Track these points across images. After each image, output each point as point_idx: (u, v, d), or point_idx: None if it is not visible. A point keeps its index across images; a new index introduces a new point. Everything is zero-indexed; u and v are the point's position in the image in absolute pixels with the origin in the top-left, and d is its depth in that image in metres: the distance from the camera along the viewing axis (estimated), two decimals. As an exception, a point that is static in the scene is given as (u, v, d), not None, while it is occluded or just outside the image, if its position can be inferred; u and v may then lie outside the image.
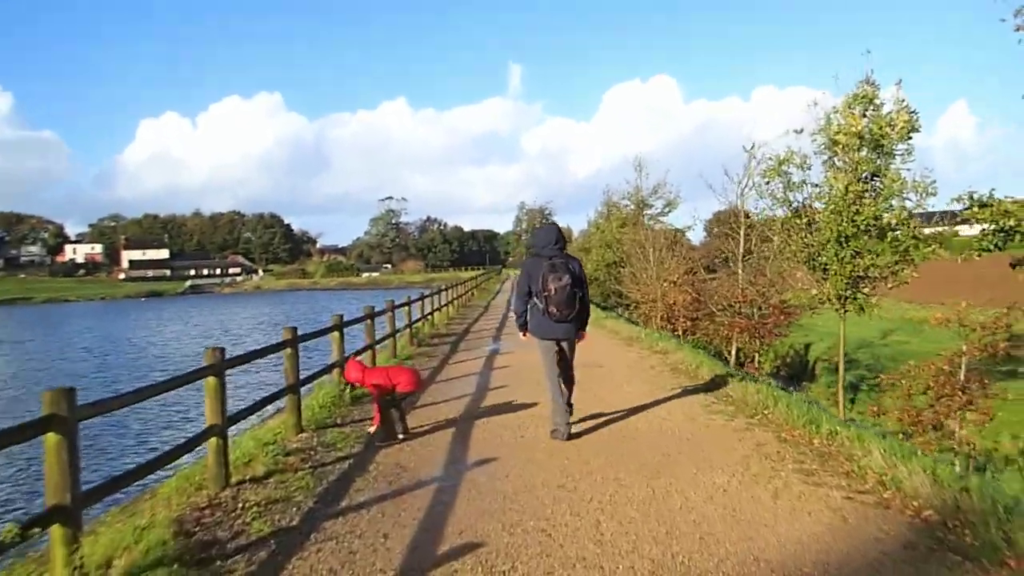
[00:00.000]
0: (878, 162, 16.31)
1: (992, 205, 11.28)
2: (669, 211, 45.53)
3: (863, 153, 16.37)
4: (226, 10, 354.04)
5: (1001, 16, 11.15)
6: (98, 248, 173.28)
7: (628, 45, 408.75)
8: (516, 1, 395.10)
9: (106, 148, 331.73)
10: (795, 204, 17.87)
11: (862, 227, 16.06)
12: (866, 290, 16.81)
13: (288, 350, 9.39)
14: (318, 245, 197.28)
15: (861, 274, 16.34)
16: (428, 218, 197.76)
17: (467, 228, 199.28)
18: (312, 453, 8.10)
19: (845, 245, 16.16)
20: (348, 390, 11.16)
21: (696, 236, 53.58)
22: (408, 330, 19.13)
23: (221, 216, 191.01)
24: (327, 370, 11.75)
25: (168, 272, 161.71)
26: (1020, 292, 18.77)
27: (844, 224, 16.01)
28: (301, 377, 9.72)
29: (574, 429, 8.37)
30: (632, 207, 46.98)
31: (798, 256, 17.66)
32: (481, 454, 7.65)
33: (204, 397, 7.04)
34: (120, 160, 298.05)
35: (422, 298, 22.90)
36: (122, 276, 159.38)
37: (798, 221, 17.59)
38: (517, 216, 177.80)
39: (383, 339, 16.01)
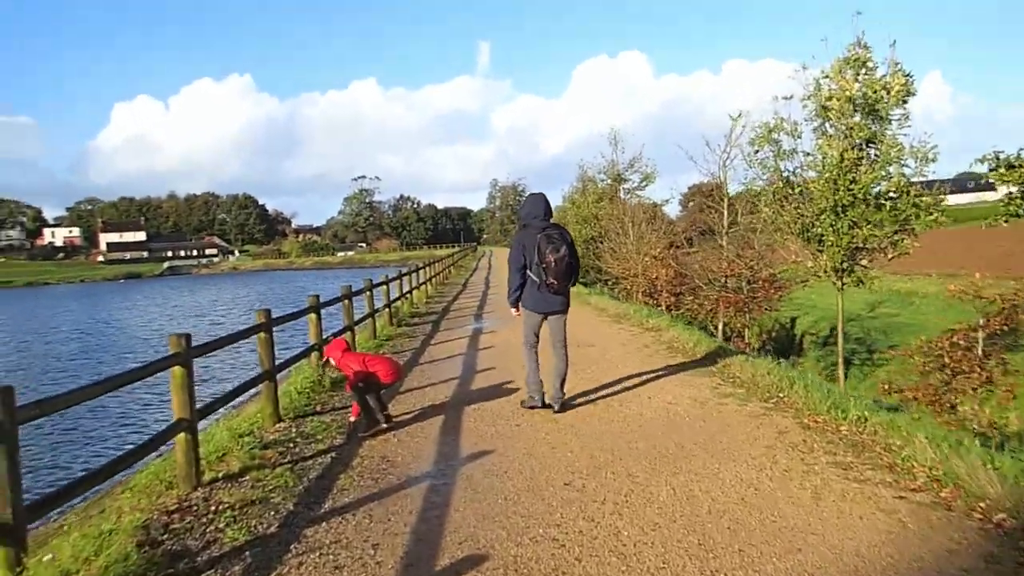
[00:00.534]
0: (873, 128, 15.61)
1: (1022, 166, 10.55)
2: (646, 185, 44.73)
3: (856, 119, 15.67)
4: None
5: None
6: (76, 231, 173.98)
7: (597, 20, 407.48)
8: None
9: (81, 132, 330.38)
10: (786, 173, 17.15)
11: (859, 196, 15.38)
12: (864, 262, 16.15)
13: (262, 334, 8.58)
14: (293, 225, 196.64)
15: (859, 245, 15.66)
16: (402, 196, 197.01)
17: (441, 206, 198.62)
18: (291, 446, 7.36)
19: (842, 215, 15.46)
20: (327, 374, 10.42)
21: (672, 210, 52.84)
22: (387, 310, 18.29)
23: (196, 198, 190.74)
24: (305, 354, 10.94)
25: (146, 254, 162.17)
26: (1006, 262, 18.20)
27: (840, 193, 15.31)
28: (277, 363, 8.91)
29: (570, 416, 7.74)
30: (608, 181, 46.20)
31: (791, 227, 16.92)
32: (475, 446, 6.91)
33: (170, 388, 6.25)
34: (94, 144, 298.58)
35: (400, 276, 22.07)
36: (100, 259, 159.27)
37: (790, 191, 16.85)
38: (490, 193, 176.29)
39: (362, 319, 15.12)
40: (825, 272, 16.43)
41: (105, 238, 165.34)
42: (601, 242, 37.36)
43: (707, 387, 8.98)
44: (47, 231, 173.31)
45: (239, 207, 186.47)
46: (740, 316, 25.96)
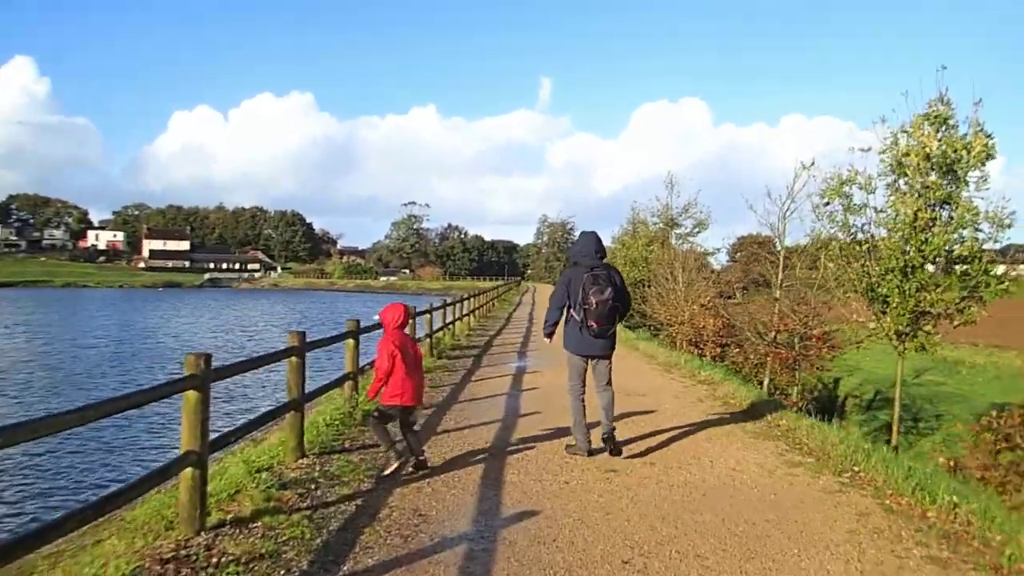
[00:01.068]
0: (949, 188, 14.89)
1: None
2: (699, 231, 44.32)
3: (933, 177, 14.96)
4: (264, 9, 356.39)
5: None
6: (120, 236, 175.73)
7: (659, 65, 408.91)
8: (550, 15, 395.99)
9: (138, 137, 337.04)
10: (854, 228, 16.42)
11: (930, 258, 14.64)
12: (927, 327, 15.34)
13: (293, 359, 7.94)
14: (338, 246, 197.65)
15: (925, 309, 14.88)
16: (449, 225, 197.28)
17: (488, 238, 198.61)
18: (313, 487, 6.73)
19: (910, 276, 14.72)
20: (359, 407, 9.86)
21: (719, 260, 51.94)
22: (428, 340, 17.77)
23: (244, 211, 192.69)
24: (339, 382, 10.39)
25: (187, 264, 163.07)
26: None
27: (911, 253, 14.59)
28: (307, 391, 8.31)
29: (626, 477, 7.12)
30: (661, 225, 45.65)
31: (856, 285, 16.16)
32: (519, 504, 6.29)
33: (181, 414, 5.54)
34: (150, 150, 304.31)
35: (444, 306, 21.55)
36: (142, 265, 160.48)
37: (858, 248, 16.11)
38: (538, 229, 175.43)
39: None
40: (887, 335, 15.66)
41: (149, 245, 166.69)
42: (648, 286, 36.72)
43: (772, 452, 8.29)
44: (91, 233, 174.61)
45: (286, 224, 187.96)
46: (787, 373, 25.14)
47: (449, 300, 23.53)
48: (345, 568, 4.91)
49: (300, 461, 7.63)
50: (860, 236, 16.18)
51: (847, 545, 5.40)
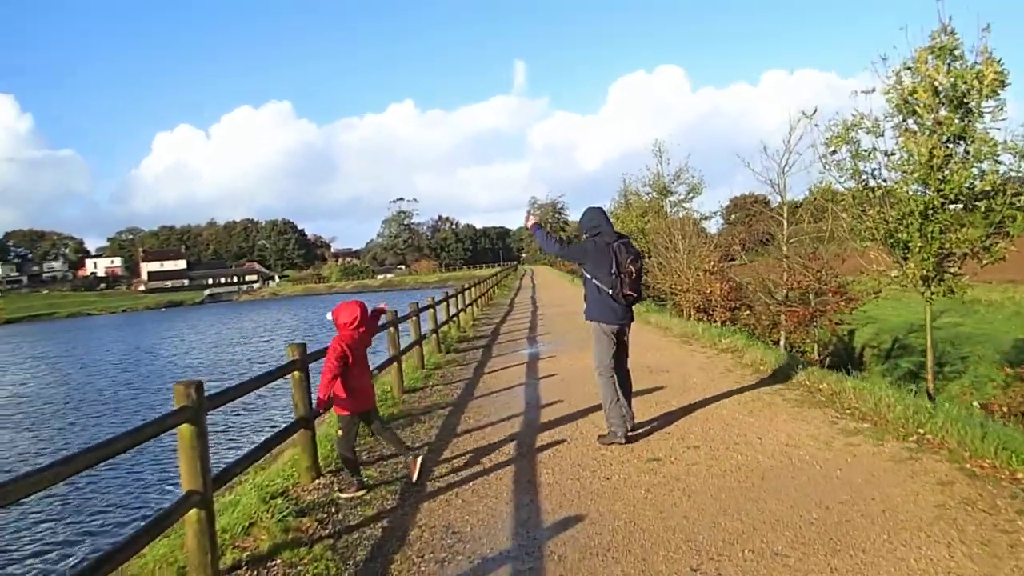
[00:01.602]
0: (962, 122, 14.13)
1: None
2: (693, 197, 43.46)
3: (943, 112, 14.20)
4: (232, 18, 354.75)
5: None
6: (117, 261, 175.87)
7: (633, 36, 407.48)
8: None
9: (123, 163, 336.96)
10: (864, 175, 15.66)
11: (950, 197, 13.91)
12: (953, 269, 14.62)
13: (296, 373, 7.22)
14: (332, 249, 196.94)
15: (951, 250, 14.15)
16: (440, 217, 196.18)
17: (479, 226, 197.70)
18: (333, 511, 6.07)
19: (931, 218, 14.00)
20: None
21: (713, 225, 51.10)
22: (435, 335, 17.03)
23: (235, 224, 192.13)
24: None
25: (186, 282, 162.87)
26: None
27: (931, 194, 13.86)
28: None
29: (670, 466, 6.45)
30: (654, 194, 44.85)
31: (875, 234, 15.41)
32: (560, 509, 5.60)
33: (178, 452, 4.82)
34: (137, 174, 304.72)
35: (447, 299, 20.78)
36: (142, 288, 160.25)
37: (871, 194, 15.37)
38: (528, 211, 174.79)
39: (408, 348, 13.78)
40: (912, 282, 14.94)
41: (146, 267, 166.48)
42: (647, 257, 36.06)
43: (823, 421, 7.58)
44: (89, 262, 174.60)
45: (278, 233, 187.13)
46: (800, 330, 24.48)
47: (451, 292, 22.74)
48: (374, 610, 4.22)
49: (316, 481, 6.99)
50: (872, 183, 15.47)
51: (941, 523, 4.70)
